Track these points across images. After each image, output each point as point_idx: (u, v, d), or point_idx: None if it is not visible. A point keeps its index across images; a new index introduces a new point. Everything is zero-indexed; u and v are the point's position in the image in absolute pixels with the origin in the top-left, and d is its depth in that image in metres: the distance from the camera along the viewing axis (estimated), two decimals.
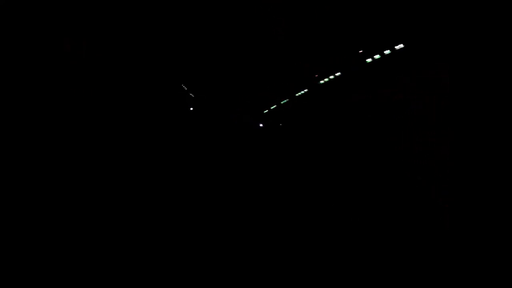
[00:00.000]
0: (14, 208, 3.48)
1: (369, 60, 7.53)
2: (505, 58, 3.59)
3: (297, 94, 14.42)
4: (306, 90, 13.13)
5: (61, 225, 3.26)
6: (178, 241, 3.31)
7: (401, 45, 6.18)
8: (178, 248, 3.13)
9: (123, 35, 8.36)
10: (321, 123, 11.94)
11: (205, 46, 8.86)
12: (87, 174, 5.44)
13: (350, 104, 9.21)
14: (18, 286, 2.20)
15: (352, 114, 9.00)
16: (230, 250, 3.23)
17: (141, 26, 7.56)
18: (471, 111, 4.05)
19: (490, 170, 3.69)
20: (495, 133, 3.65)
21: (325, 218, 4.73)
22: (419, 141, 5.59)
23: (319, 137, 11.98)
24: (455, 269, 3.31)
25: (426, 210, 5.12)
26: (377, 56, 7.12)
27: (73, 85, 6.48)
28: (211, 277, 2.66)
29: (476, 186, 3.86)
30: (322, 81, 10.87)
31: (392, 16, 5.21)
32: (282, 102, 17.47)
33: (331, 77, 9.97)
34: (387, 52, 6.68)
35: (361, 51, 7.16)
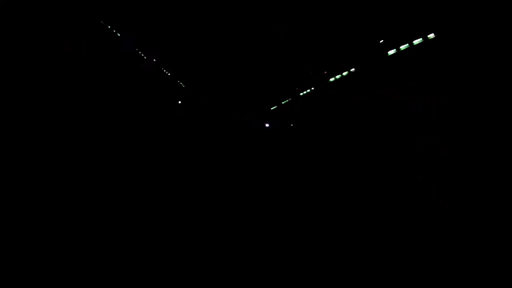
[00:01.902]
0: (14, 207, 3.48)
1: (369, 60, 7.53)
2: (505, 58, 3.59)
3: (297, 94, 14.42)
4: (306, 90, 13.13)
5: (59, 223, 3.26)
6: (177, 240, 3.31)
7: (401, 45, 6.18)
8: (177, 248, 3.13)
9: (123, 35, 8.36)
10: (321, 123, 11.94)
11: (206, 46, 8.86)
12: (87, 172, 5.44)
13: (350, 104, 9.20)
14: (18, 286, 2.20)
15: (352, 114, 8.99)
16: (230, 250, 3.23)
17: (142, 26, 7.56)
18: (471, 111, 4.05)
19: (489, 170, 3.68)
20: (495, 133, 3.65)
21: (325, 217, 4.73)
22: (419, 141, 5.59)
23: (319, 138, 11.97)
24: (455, 268, 3.31)
25: (426, 210, 5.12)
26: (377, 56, 7.13)
27: (73, 85, 6.48)
28: (213, 276, 2.66)
29: (476, 186, 3.86)
30: (322, 82, 10.87)
31: (392, 16, 5.21)
32: (282, 102, 17.47)
33: (331, 77, 9.97)
34: (387, 52, 6.68)
35: (361, 51, 7.15)
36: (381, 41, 6.34)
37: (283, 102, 17.54)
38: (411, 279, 2.99)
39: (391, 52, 6.59)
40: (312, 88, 12.40)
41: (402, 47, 6.22)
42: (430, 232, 4.49)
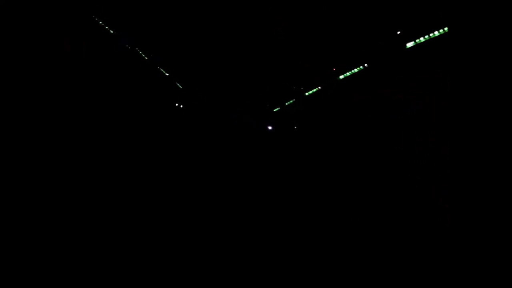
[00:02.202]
0: (14, 208, 3.48)
1: (369, 60, 7.54)
2: (505, 58, 3.59)
3: (296, 95, 14.43)
4: (306, 91, 13.14)
5: (58, 224, 3.26)
6: (176, 243, 3.31)
7: (401, 46, 6.19)
8: (176, 250, 3.13)
9: (123, 35, 8.36)
10: (322, 123, 11.94)
11: (205, 46, 8.86)
12: (87, 172, 5.44)
13: (350, 104, 9.21)
14: (18, 286, 2.20)
15: (352, 114, 9.00)
16: (229, 251, 3.23)
17: (141, 26, 7.56)
18: (471, 111, 4.05)
19: (490, 170, 3.69)
20: (495, 133, 3.66)
21: (324, 218, 4.73)
22: (419, 141, 5.59)
23: (319, 138, 11.98)
24: (455, 269, 3.31)
25: (426, 210, 5.12)
26: (377, 56, 7.13)
27: (73, 85, 6.47)
28: (211, 277, 2.66)
29: (476, 186, 3.86)
30: (322, 82, 10.87)
31: (392, 16, 5.22)
32: (286, 104, 17.47)
33: (333, 77, 9.97)
34: (387, 52, 6.69)
35: (361, 51, 7.16)
36: (380, 42, 6.35)
37: (287, 103, 17.53)
38: (411, 279, 3.00)
39: (390, 52, 6.60)
40: (312, 89, 12.40)
41: (402, 47, 6.23)
42: (430, 232, 4.49)
